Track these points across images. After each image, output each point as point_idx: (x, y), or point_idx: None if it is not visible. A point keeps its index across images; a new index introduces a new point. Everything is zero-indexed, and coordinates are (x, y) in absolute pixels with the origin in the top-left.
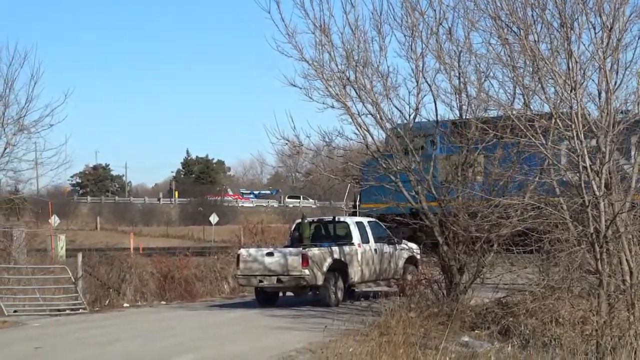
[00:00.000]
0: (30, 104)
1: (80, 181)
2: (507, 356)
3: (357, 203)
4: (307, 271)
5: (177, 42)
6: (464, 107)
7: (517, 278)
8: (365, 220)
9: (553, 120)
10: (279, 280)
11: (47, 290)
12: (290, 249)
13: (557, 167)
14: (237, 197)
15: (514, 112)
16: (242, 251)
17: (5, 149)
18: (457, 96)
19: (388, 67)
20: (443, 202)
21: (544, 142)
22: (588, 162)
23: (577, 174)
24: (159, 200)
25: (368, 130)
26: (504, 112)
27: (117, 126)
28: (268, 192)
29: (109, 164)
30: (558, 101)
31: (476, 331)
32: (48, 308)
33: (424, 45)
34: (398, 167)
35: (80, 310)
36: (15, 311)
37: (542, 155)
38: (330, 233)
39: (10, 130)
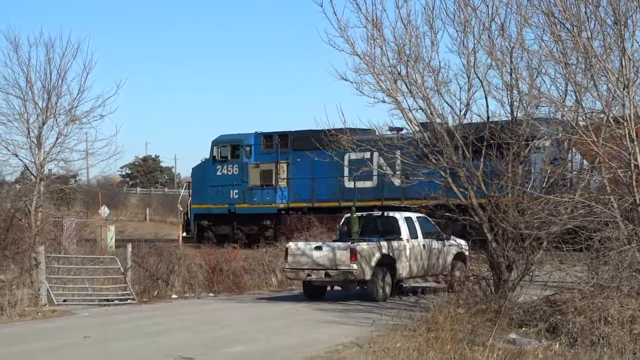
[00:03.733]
0: (82, 94)
1: (130, 172)
2: (554, 354)
3: (189, 203)
4: (355, 266)
5: (228, 35)
6: (515, 103)
7: (566, 276)
8: (414, 215)
9: (605, 118)
10: (327, 274)
11: (97, 280)
12: (339, 243)
13: (608, 165)
14: None
15: (566, 109)
16: (291, 245)
17: (57, 139)
18: (509, 92)
19: (439, 62)
20: (492, 198)
21: (596, 139)
22: None
23: (629, 172)
24: None
25: (418, 126)
26: (556, 109)
27: (167, 118)
28: None
29: (158, 156)
30: (610, 99)
31: (524, 328)
32: (97, 298)
33: (475, 41)
34: (447, 163)
35: (129, 301)
36: (64, 300)
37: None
38: (378, 228)
39: (62, 120)
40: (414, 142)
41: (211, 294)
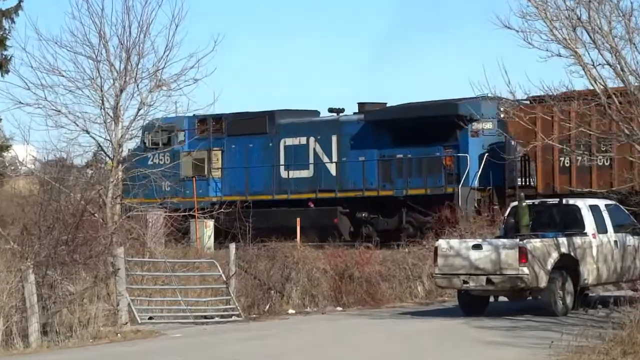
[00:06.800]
0: (170, 52)
1: None
2: None
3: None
4: (526, 269)
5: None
6: None
7: None
8: (602, 203)
9: None
10: (489, 281)
11: (191, 291)
12: (504, 240)
13: None
14: None
15: None
16: (441, 243)
17: (138, 109)
18: None
19: (632, 3)
20: None
21: None
22: None
23: None
24: None
25: (605, 85)
26: None
27: (270, 82)
28: None
29: None
30: None
31: None
32: (192, 314)
33: None
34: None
35: (233, 318)
36: (150, 318)
37: None
38: (555, 220)
39: (145, 86)
40: (602, 111)
41: (339, 308)
